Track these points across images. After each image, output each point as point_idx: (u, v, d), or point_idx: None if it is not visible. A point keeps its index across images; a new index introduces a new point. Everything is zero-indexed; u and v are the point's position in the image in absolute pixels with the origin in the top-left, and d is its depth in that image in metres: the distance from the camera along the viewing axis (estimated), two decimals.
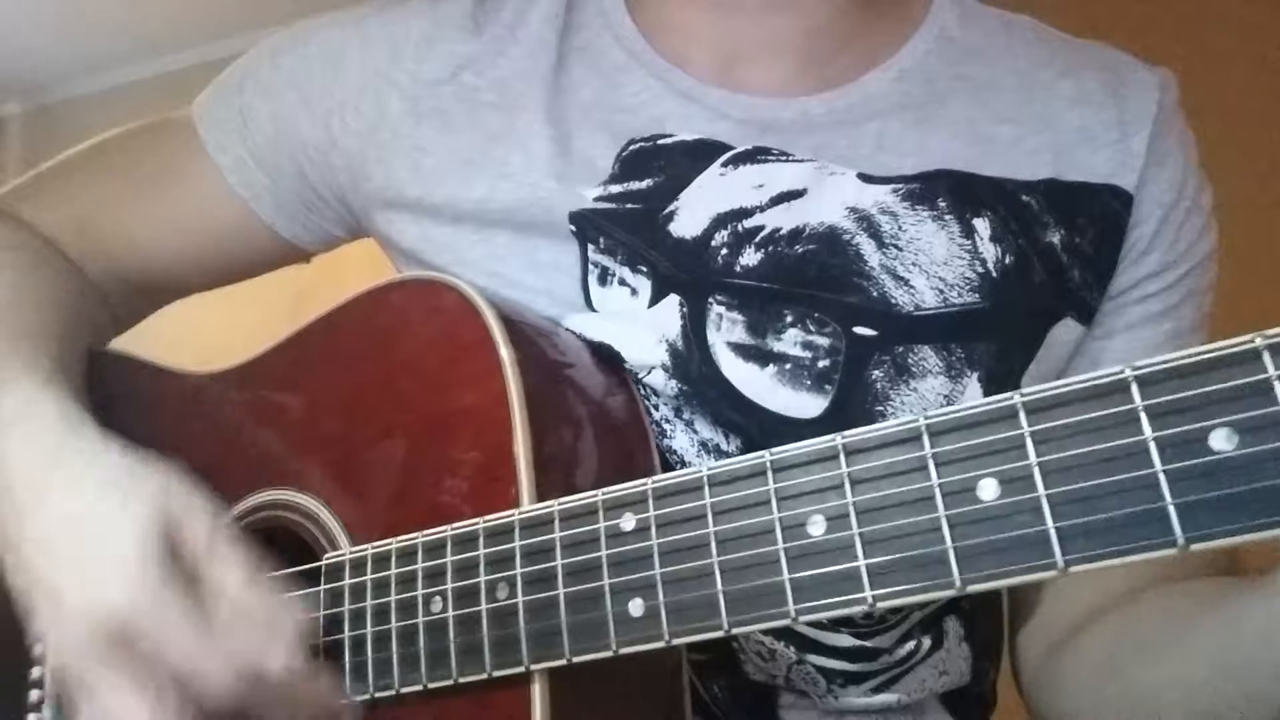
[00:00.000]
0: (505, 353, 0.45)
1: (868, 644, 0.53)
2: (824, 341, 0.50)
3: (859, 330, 0.50)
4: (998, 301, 0.51)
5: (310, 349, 0.53)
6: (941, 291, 0.51)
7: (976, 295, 0.51)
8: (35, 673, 0.52)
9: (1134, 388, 0.31)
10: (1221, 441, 0.30)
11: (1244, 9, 1.87)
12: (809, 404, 0.50)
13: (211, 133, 0.61)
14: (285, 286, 0.69)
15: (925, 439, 0.34)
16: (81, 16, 2.65)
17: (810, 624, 0.52)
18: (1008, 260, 0.51)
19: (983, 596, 0.58)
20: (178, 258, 0.63)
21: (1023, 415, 0.32)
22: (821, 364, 0.50)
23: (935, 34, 0.57)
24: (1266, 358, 0.29)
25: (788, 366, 0.50)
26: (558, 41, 0.57)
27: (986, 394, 0.51)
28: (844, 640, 0.52)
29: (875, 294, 0.51)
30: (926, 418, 0.34)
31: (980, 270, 0.51)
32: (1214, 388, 0.30)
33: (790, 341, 0.51)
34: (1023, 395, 0.33)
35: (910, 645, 0.54)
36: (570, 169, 0.54)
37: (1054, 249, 0.52)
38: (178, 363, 0.58)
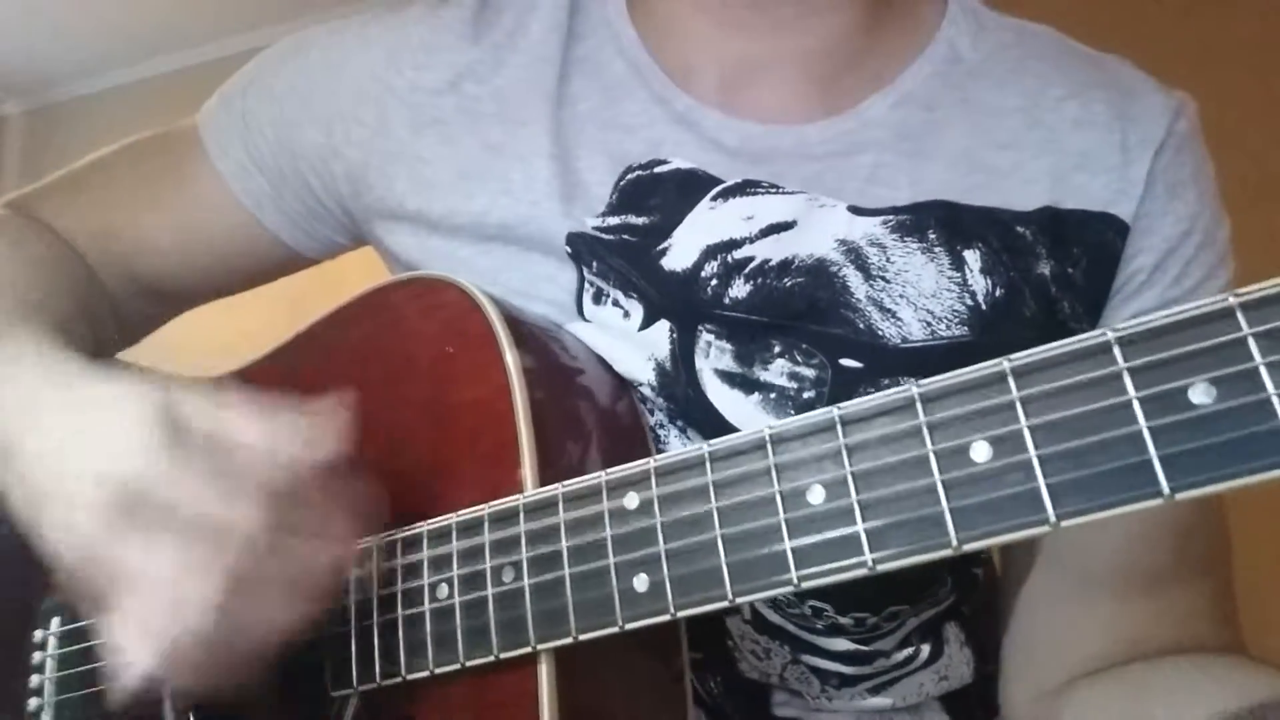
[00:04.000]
0: (507, 345, 0.46)
1: (865, 648, 0.53)
2: (810, 373, 0.50)
3: (845, 362, 0.50)
4: (986, 334, 0.50)
5: (313, 350, 0.54)
6: (929, 324, 0.50)
7: (965, 328, 0.50)
8: (36, 657, 0.52)
9: (1116, 349, 0.32)
10: (1201, 395, 0.31)
11: (1244, 10, 1.89)
12: None
13: (215, 139, 0.62)
14: (286, 289, 0.70)
15: (918, 405, 0.35)
16: (81, 16, 2.66)
17: (806, 627, 0.52)
18: (998, 293, 0.51)
19: (982, 600, 0.59)
20: (186, 266, 0.63)
21: (1011, 379, 0.34)
22: (806, 395, 0.50)
23: (943, 54, 0.55)
24: (1240, 315, 0.31)
25: (772, 396, 0.50)
26: (560, 52, 0.57)
27: None
28: (840, 644, 0.53)
29: (862, 326, 0.50)
30: (919, 386, 0.35)
31: (969, 303, 0.50)
32: (1192, 345, 0.31)
33: (777, 372, 0.51)
34: (1010, 360, 0.34)
35: (908, 651, 0.54)
36: (571, 191, 0.53)
37: (1045, 280, 0.51)
38: (179, 365, 0.59)
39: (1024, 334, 0.51)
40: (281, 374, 0.54)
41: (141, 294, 0.64)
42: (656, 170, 0.54)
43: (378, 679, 0.43)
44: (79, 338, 0.54)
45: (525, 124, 0.55)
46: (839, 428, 0.36)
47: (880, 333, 0.50)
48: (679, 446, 0.52)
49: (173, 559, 0.36)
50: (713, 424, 0.51)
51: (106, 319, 0.62)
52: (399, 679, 0.43)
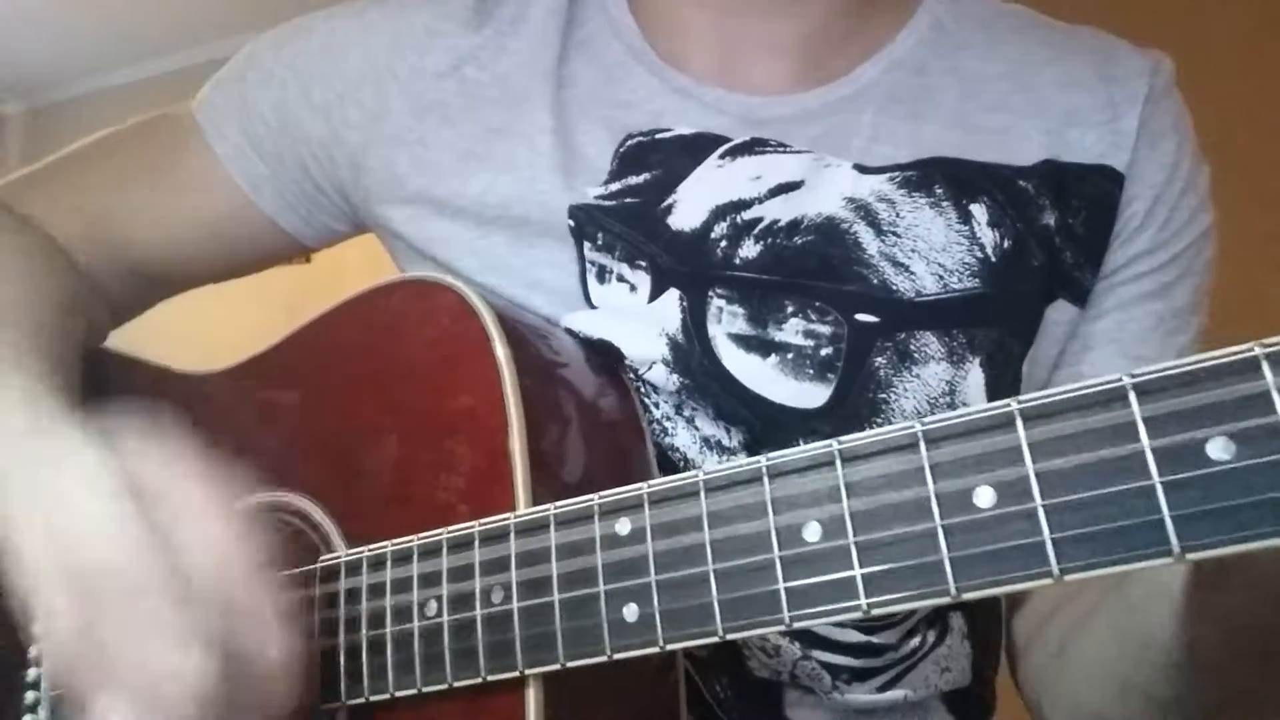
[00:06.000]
0: (502, 354, 0.45)
1: (874, 639, 0.53)
2: (825, 330, 0.51)
3: (861, 318, 0.51)
4: (997, 286, 0.52)
5: (306, 351, 0.53)
6: (941, 277, 0.51)
7: (976, 280, 0.52)
8: (31, 674, 0.52)
9: (1131, 395, 0.31)
10: (1219, 451, 0.29)
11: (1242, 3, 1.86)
12: (812, 393, 0.51)
13: (212, 122, 0.61)
14: (286, 284, 0.69)
15: (922, 445, 0.33)
16: (81, 16, 2.67)
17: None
18: (1006, 245, 0.52)
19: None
20: (180, 249, 0.63)
21: (1020, 422, 0.32)
22: (824, 352, 0.51)
23: (927, 24, 0.57)
24: (1265, 367, 0.29)
25: (789, 356, 0.51)
26: (560, 36, 0.57)
27: (988, 379, 0.52)
28: (850, 636, 0.53)
29: (875, 281, 0.51)
30: (923, 424, 0.34)
31: (979, 255, 0.52)
32: (1213, 398, 0.30)
33: (791, 331, 0.51)
34: (1020, 402, 0.32)
35: (915, 640, 0.54)
36: (571, 164, 0.54)
37: (1049, 231, 0.53)
38: (177, 361, 0.58)
39: (1032, 284, 0.53)
40: (269, 378, 0.53)
41: (133, 277, 0.64)
42: (659, 136, 0.54)
43: (365, 695, 0.43)
44: (67, 337, 0.53)
45: (526, 104, 0.56)
46: (838, 462, 0.35)
47: (894, 287, 0.51)
48: (686, 439, 0.52)
49: (146, 647, 0.36)
50: (731, 394, 0.51)
51: (97, 306, 0.61)
52: (387, 695, 0.43)
